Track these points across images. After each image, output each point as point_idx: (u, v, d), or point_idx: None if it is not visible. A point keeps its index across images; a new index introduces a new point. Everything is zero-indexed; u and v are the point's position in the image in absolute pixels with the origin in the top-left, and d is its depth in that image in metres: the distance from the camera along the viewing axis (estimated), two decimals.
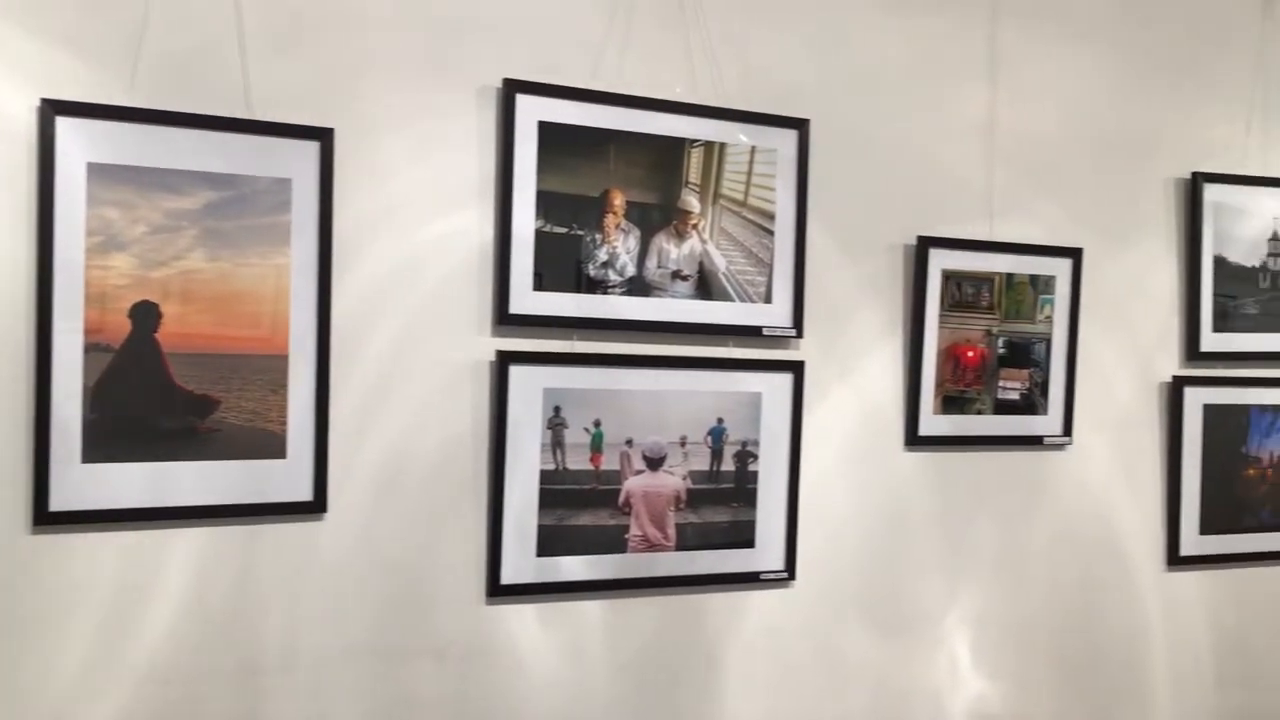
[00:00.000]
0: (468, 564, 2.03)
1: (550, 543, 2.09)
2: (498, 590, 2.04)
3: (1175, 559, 2.61)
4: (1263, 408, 2.68)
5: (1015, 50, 2.47)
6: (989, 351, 2.46)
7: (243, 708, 1.88)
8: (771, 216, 2.26)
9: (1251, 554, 2.68)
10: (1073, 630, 2.53)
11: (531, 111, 2.05)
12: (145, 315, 1.80)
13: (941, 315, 2.42)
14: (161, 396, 1.81)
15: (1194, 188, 2.61)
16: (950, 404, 2.44)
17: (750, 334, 2.24)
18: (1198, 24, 2.64)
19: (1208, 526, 2.64)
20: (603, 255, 2.12)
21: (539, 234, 2.07)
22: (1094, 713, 2.54)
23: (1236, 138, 2.67)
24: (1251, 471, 2.68)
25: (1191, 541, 2.63)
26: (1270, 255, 2.68)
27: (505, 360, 2.04)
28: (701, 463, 2.21)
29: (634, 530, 2.16)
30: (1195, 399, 2.63)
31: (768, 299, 2.26)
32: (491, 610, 2.06)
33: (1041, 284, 2.50)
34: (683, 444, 2.20)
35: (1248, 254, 2.66)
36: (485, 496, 2.04)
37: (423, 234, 2.00)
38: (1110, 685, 2.56)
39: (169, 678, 1.83)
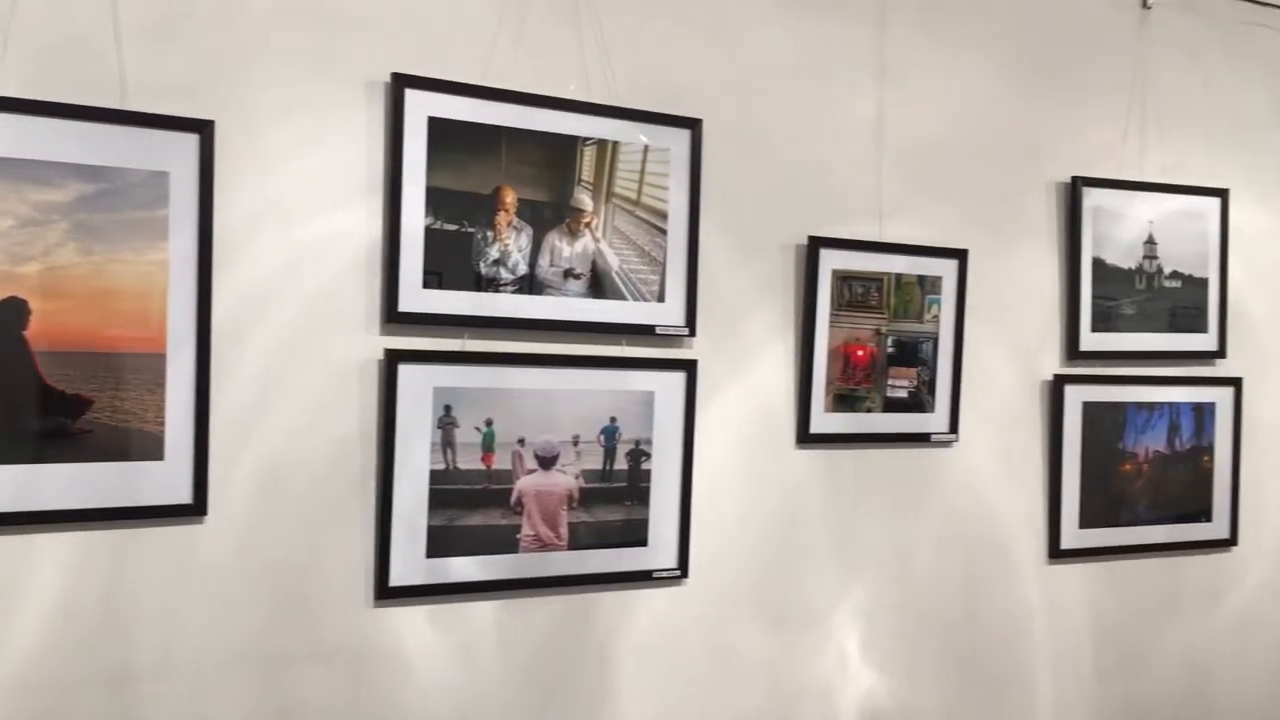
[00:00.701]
0: (355, 566, 2.02)
1: (441, 543, 2.09)
2: (386, 592, 2.04)
3: (1056, 552, 2.72)
4: (1139, 405, 2.81)
5: (903, 55, 2.55)
6: (878, 350, 2.54)
7: (115, 717, 1.84)
8: (665, 215, 2.30)
9: (1128, 546, 2.80)
10: (959, 622, 2.62)
11: (421, 107, 2.05)
12: (12, 312, 1.75)
13: (832, 315, 2.48)
14: (30, 397, 1.77)
15: (1074, 192, 2.73)
16: (841, 402, 2.50)
17: (643, 333, 2.28)
18: (1079, 34, 2.76)
19: (1087, 520, 2.76)
20: (494, 253, 2.13)
21: (429, 231, 2.07)
22: (979, 702, 2.64)
23: (1115, 144, 2.80)
24: (1128, 467, 2.81)
25: (1072, 535, 2.74)
26: (1146, 258, 2.81)
27: (394, 359, 2.03)
28: (594, 462, 2.24)
29: (526, 530, 2.17)
30: (1075, 397, 2.74)
31: (661, 298, 2.30)
32: (380, 613, 2.05)
33: (929, 284, 2.58)
34: (575, 443, 2.22)
35: (1125, 256, 2.79)
36: (374, 497, 2.04)
37: (309, 230, 1.98)
38: (995, 675, 2.66)
39: (37, 686, 1.78)
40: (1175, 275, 2.85)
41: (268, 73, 1.94)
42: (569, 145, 2.20)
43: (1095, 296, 2.76)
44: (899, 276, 2.55)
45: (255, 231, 1.93)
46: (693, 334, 2.32)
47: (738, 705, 2.39)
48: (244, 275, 1.93)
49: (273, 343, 1.95)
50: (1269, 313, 2.97)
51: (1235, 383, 2.91)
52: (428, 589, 2.08)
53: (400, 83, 2.02)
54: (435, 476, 2.08)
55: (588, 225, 2.23)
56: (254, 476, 1.94)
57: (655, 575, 2.30)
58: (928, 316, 2.59)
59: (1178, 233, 2.84)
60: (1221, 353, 2.89)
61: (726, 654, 2.38)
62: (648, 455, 2.29)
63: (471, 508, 2.12)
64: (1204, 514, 2.89)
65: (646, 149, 2.28)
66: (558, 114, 2.18)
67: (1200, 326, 2.87)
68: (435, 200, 2.07)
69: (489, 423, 2.13)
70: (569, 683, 2.23)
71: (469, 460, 2.12)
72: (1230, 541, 2.91)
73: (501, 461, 2.15)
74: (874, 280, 2.53)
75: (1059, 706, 2.72)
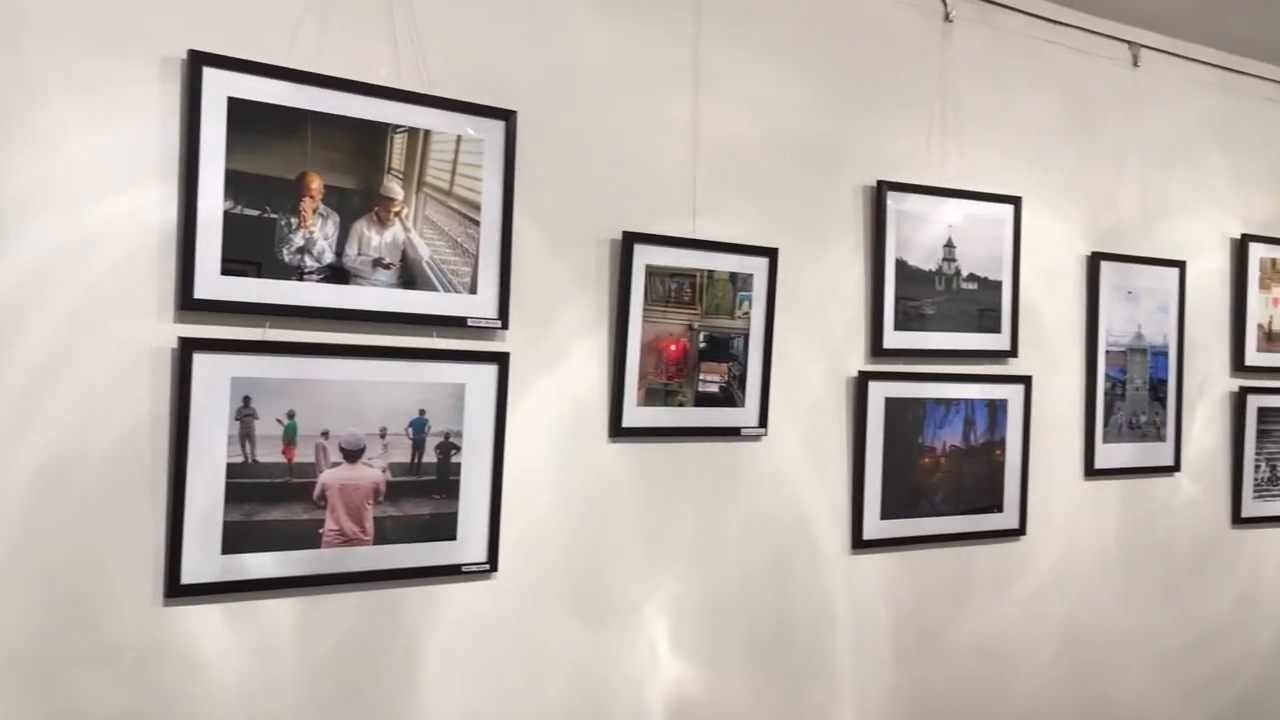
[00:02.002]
0: (144, 563, 1.98)
1: (238, 539, 2.07)
2: (177, 590, 2.00)
3: (859, 542, 2.88)
4: (937, 401, 3.00)
5: (718, 58, 2.65)
6: (690, 345, 2.63)
7: None
8: (477, 207, 2.33)
9: (925, 537, 2.98)
10: (765, 612, 2.75)
11: (220, 86, 2.02)
12: None
13: (645, 310, 2.56)
14: None
15: (879, 195, 2.89)
16: (653, 396, 2.59)
17: (454, 325, 2.30)
18: (886, 44, 2.92)
19: (888, 511, 2.93)
20: (299, 240, 2.12)
21: (229, 216, 2.04)
22: (785, 689, 2.77)
23: (918, 150, 2.97)
24: (927, 460, 2.99)
25: (874, 526, 2.90)
26: (945, 260, 3.00)
27: (189, 348, 2.00)
28: (402, 455, 2.25)
29: (329, 524, 2.17)
30: (879, 393, 2.91)
31: (473, 290, 2.32)
32: (170, 612, 2.01)
33: (741, 281, 2.69)
34: (383, 435, 2.22)
35: (926, 258, 2.97)
36: (165, 492, 1.99)
37: (96, 211, 1.93)
38: (799, 662, 2.79)
39: None
40: (972, 277, 3.05)
41: (52, 42, 1.87)
42: (378, 132, 2.20)
43: (898, 296, 2.93)
44: (711, 273, 2.65)
45: (36, 210, 1.87)
46: (505, 326, 2.35)
47: (546, 700, 2.45)
48: (23, 256, 1.86)
49: (55, 329, 1.89)
50: (1057, 314, 3.21)
51: (1026, 380, 3.13)
52: (223, 586, 2.05)
53: (197, 60, 1.99)
54: (233, 470, 2.06)
55: (398, 214, 2.23)
56: (33, 469, 1.87)
57: (464, 570, 2.33)
58: (739, 313, 2.70)
59: (975, 237, 3.04)
60: (1013, 352, 3.10)
61: (536, 648, 2.43)
62: (458, 448, 2.31)
63: (271, 502, 2.10)
64: (995, 505, 3.10)
65: (459, 139, 2.30)
66: (367, 100, 2.18)
67: (994, 327, 3.08)
68: (235, 184, 2.04)
69: (291, 415, 2.11)
70: (373, 681, 2.24)
71: (269, 453, 2.10)
72: (1019, 531, 3.13)
73: (304, 454, 2.13)
74: (687, 276, 2.62)
75: (859, 691, 2.88)
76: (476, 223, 2.32)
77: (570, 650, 2.47)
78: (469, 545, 2.33)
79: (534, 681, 2.43)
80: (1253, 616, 3.60)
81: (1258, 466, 3.59)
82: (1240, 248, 3.55)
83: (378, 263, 2.21)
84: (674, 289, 2.60)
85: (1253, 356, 3.57)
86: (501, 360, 2.35)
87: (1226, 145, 3.54)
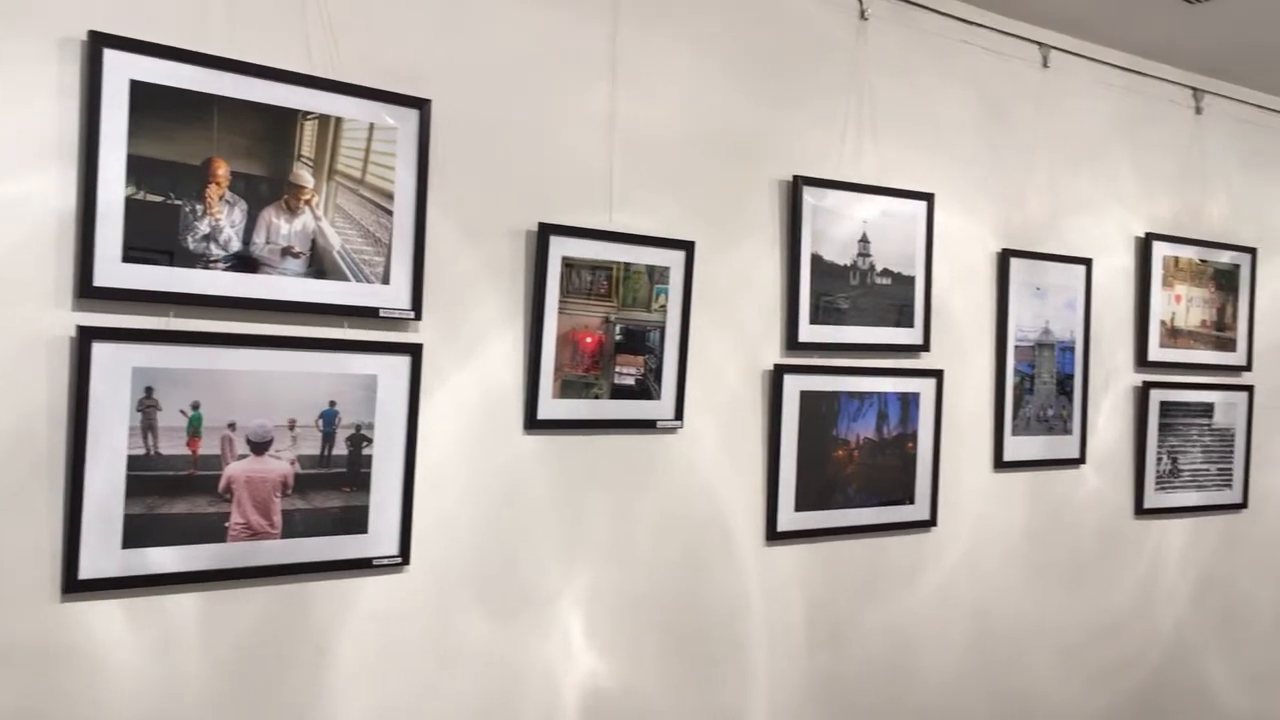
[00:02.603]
0: (38, 559, 1.93)
1: (139, 533, 2.03)
2: (75, 586, 1.96)
3: (773, 534, 2.92)
4: (851, 394, 3.05)
5: (635, 51, 2.66)
6: (607, 338, 2.65)
7: None
8: (391, 196, 2.31)
9: (839, 528, 3.03)
10: (680, 604, 2.77)
11: (122, 69, 1.98)
12: None
13: (561, 301, 2.57)
14: None
15: (795, 190, 2.93)
16: (569, 388, 2.59)
17: (366, 315, 2.28)
18: (802, 40, 2.96)
19: (802, 504, 2.97)
20: (204, 228, 2.08)
21: (130, 202, 2.00)
22: (699, 680, 2.80)
23: (833, 146, 3.02)
24: (840, 453, 3.04)
25: (788, 518, 2.95)
26: (859, 255, 3.05)
27: (87, 336, 1.95)
28: (312, 447, 2.23)
29: (235, 518, 2.14)
30: (794, 386, 2.95)
31: (386, 280, 2.31)
32: (68, 608, 1.97)
33: (657, 274, 2.71)
34: (292, 427, 2.20)
35: (841, 253, 3.02)
36: (62, 485, 1.95)
37: None
38: (714, 653, 2.82)
39: None
40: (886, 273, 3.10)
41: None
42: (288, 118, 2.17)
43: (813, 291, 2.97)
44: (628, 266, 2.66)
45: None
46: (419, 317, 2.34)
47: (459, 693, 2.44)
48: None
49: None
50: (967, 310, 3.29)
51: (937, 374, 3.20)
52: (123, 581, 2.01)
53: (98, 42, 1.94)
54: (134, 462, 2.02)
55: (308, 202, 2.21)
56: None
57: (375, 563, 2.31)
58: (655, 306, 2.72)
59: (889, 233, 3.09)
60: (926, 346, 3.17)
61: (449, 641, 2.43)
62: (369, 440, 2.30)
63: (175, 495, 2.07)
64: (907, 497, 3.17)
65: (372, 127, 2.28)
66: (276, 85, 2.15)
67: (907, 321, 3.14)
68: (138, 169, 2.00)
69: (196, 406, 2.08)
70: (281, 677, 2.21)
71: (173, 445, 2.06)
72: (930, 522, 3.20)
73: (209, 446, 2.10)
74: (603, 269, 2.63)
75: (772, 681, 2.92)
76: (389, 212, 2.31)
77: (483, 643, 2.47)
78: (380, 538, 2.32)
79: (446, 675, 2.42)
80: (1154, 604, 3.73)
81: (1159, 459, 3.71)
82: (1144, 246, 3.66)
83: (287, 251, 2.18)
84: (590, 281, 2.61)
85: (1155, 352, 3.69)
86: (414, 351, 2.34)
87: (1132, 146, 3.65)
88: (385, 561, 2.32)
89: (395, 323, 2.32)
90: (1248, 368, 3.91)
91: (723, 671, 2.84)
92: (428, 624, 2.40)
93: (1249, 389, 3.91)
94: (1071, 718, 3.53)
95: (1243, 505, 3.93)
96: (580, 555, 2.61)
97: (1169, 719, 3.77)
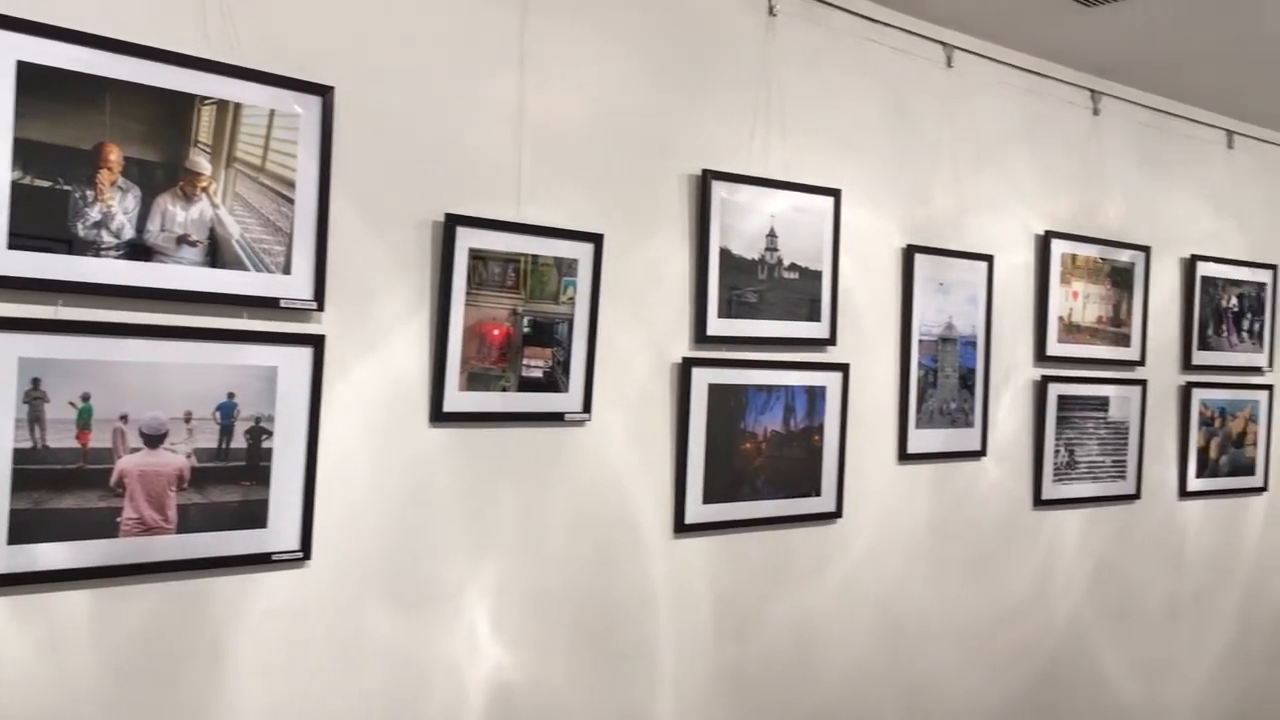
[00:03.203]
0: None
1: (25, 529, 1.97)
2: None
3: (681, 527, 2.94)
4: (759, 387, 3.09)
5: (544, 41, 2.66)
6: (514, 330, 2.64)
7: None
8: (292, 184, 2.27)
9: (746, 520, 3.07)
10: (588, 597, 2.78)
11: (9, 49, 1.92)
12: None
13: (468, 293, 2.55)
14: None
15: (704, 184, 2.95)
16: (476, 381, 2.58)
17: (266, 305, 2.24)
18: (711, 34, 2.98)
19: (710, 496, 3.00)
20: (95, 214, 2.03)
21: (17, 187, 1.94)
22: (606, 672, 2.81)
23: (742, 142, 3.05)
24: (748, 445, 3.08)
25: (696, 510, 2.97)
26: (767, 250, 3.09)
27: None
28: (209, 440, 2.19)
29: (128, 513, 2.09)
30: (702, 379, 2.97)
31: (287, 270, 2.27)
32: None
33: (565, 266, 2.71)
34: (188, 420, 2.15)
35: (749, 247, 3.05)
36: None
37: None
38: (621, 645, 2.84)
39: None
40: (794, 267, 3.15)
41: None
42: (184, 103, 2.13)
43: (722, 285, 3.00)
44: (536, 258, 2.66)
45: None
46: (321, 308, 2.31)
47: (363, 688, 2.42)
48: None
49: None
50: (873, 305, 3.35)
51: (843, 368, 3.25)
52: (9, 579, 1.95)
53: None
54: (20, 456, 1.96)
55: (205, 190, 2.16)
56: None
57: (275, 558, 2.28)
58: (564, 298, 2.72)
59: (797, 227, 3.14)
60: (832, 340, 3.22)
61: (351, 637, 2.40)
62: (269, 433, 2.26)
63: (63, 489, 2.01)
64: (814, 489, 3.22)
65: (273, 114, 2.24)
66: (171, 69, 2.10)
67: (814, 316, 3.19)
68: (25, 153, 1.95)
69: (86, 397, 2.03)
70: (176, 675, 2.17)
71: (61, 438, 2.01)
72: (836, 514, 3.26)
73: (100, 439, 2.05)
74: (511, 260, 2.62)
75: (680, 672, 2.94)
76: (291, 201, 2.27)
77: (387, 638, 2.45)
78: (280, 533, 2.28)
79: (349, 670, 2.40)
80: (1051, 592, 3.84)
81: (1057, 451, 3.83)
82: (1043, 244, 3.77)
83: (183, 239, 2.14)
84: (498, 273, 2.60)
85: (1054, 347, 3.80)
86: (316, 343, 2.31)
87: (1032, 146, 3.75)
88: (285, 557, 2.29)
89: (296, 313, 2.29)
90: (1141, 363, 4.04)
91: (630, 664, 2.86)
92: (330, 619, 2.37)
93: (1142, 383, 4.05)
94: (972, 705, 3.62)
95: (1136, 496, 4.07)
96: (487, 549, 2.61)
97: (1065, 705, 3.89)
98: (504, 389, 2.63)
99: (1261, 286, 4.43)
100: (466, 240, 2.53)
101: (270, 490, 2.27)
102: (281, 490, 2.28)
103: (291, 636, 2.32)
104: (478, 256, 2.56)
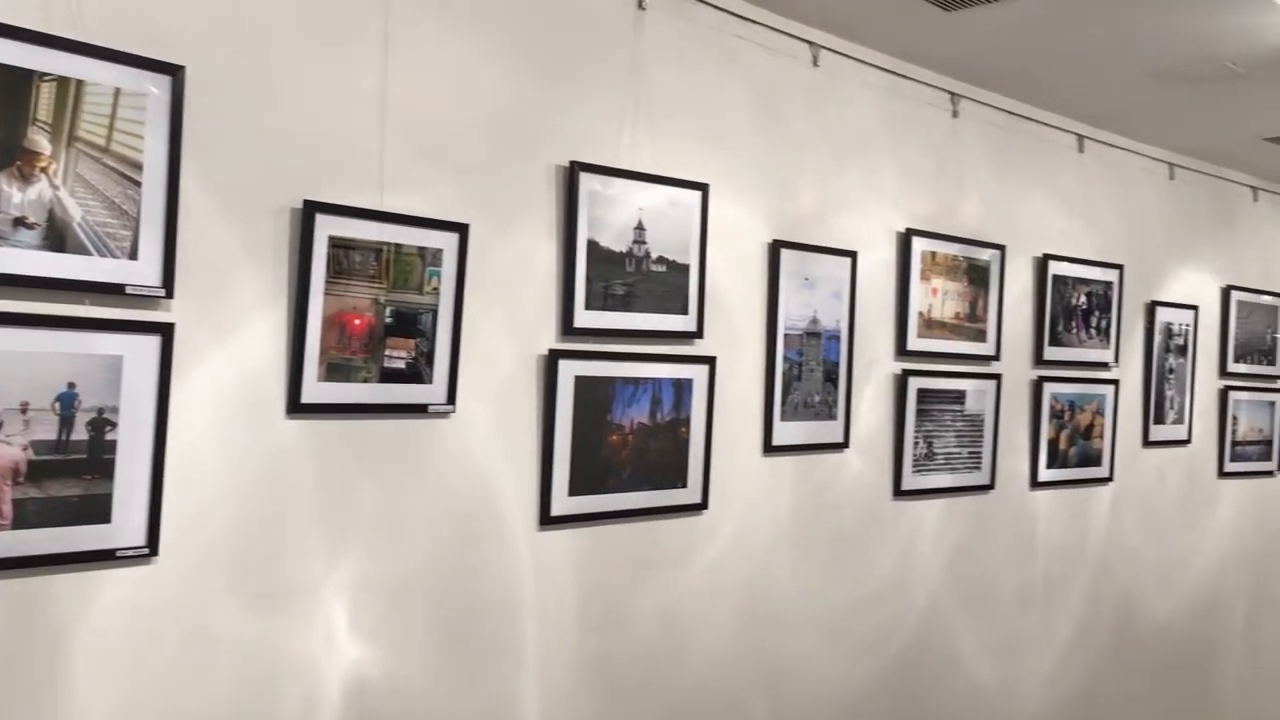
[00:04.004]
0: None
1: None
2: None
3: (547, 519, 2.94)
4: (626, 379, 3.10)
5: (410, 26, 2.62)
6: (376, 320, 2.60)
7: None
8: (140, 167, 2.20)
9: (612, 512, 3.08)
10: (451, 590, 2.76)
11: None
12: None
13: (328, 282, 2.50)
14: None
15: (572, 176, 2.95)
16: (335, 372, 2.53)
17: (111, 292, 2.16)
18: (581, 26, 2.98)
19: (576, 488, 3.00)
20: None
21: None
22: (469, 667, 2.79)
23: (611, 134, 3.06)
24: (615, 438, 3.09)
25: (562, 503, 2.97)
26: (636, 243, 3.11)
27: None
28: (48, 431, 2.10)
29: None
30: (569, 371, 2.97)
31: (133, 255, 2.19)
32: None
33: (430, 256, 2.68)
34: (24, 410, 2.06)
35: (617, 240, 3.06)
36: None
37: None
38: (485, 639, 2.82)
39: None
40: (661, 260, 3.17)
41: None
42: (22, 79, 2.03)
43: (589, 277, 3.00)
44: (399, 247, 2.62)
45: None
46: (170, 295, 2.24)
47: (212, 685, 2.35)
48: None
49: None
50: (740, 298, 3.40)
51: (710, 361, 3.29)
52: None
53: None
54: None
55: (44, 170, 2.07)
56: None
57: (120, 554, 2.20)
58: (428, 288, 2.69)
59: (665, 221, 3.16)
60: (699, 333, 3.26)
61: (201, 634, 2.33)
62: (113, 425, 2.18)
63: None
64: (680, 481, 3.25)
65: (118, 93, 2.16)
66: (7, 43, 2.01)
67: (682, 309, 3.22)
68: None
69: None
70: (12, 678, 2.08)
71: None
72: (702, 505, 3.29)
73: None
74: (373, 249, 2.58)
75: (544, 664, 2.94)
76: (138, 184, 2.19)
77: (240, 634, 2.39)
78: (125, 529, 2.21)
79: (199, 668, 2.33)
80: (910, 579, 3.96)
81: (916, 443, 3.95)
82: (904, 241, 3.88)
83: (19, 222, 2.04)
84: (359, 262, 2.56)
85: (914, 342, 3.91)
86: (165, 331, 2.23)
87: (894, 145, 3.85)
88: (131, 553, 2.21)
89: (143, 300, 2.21)
90: (996, 357, 4.20)
91: (494, 658, 2.85)
92: (179, 617, 2.30)
93: (997, 377, 4.20)
94: (833, 688, 3.71)
95: (990, 486, 4.22)
96: (346, 543, 2.56)
97: (922, 688, 4.01)
98: (365, 380, 2.59)
99: (1109, 285, 4.64)
100: (326, 228, 2.48)
101: (114, 484, 2.18)
102: (126, 484, 2.20)
103: (137, 635, 2.24)
104: (339, 245, 2.51)
